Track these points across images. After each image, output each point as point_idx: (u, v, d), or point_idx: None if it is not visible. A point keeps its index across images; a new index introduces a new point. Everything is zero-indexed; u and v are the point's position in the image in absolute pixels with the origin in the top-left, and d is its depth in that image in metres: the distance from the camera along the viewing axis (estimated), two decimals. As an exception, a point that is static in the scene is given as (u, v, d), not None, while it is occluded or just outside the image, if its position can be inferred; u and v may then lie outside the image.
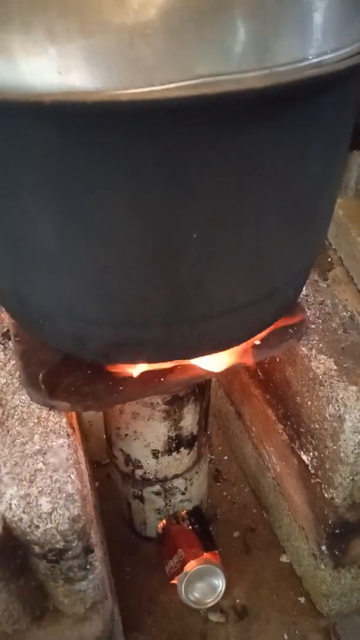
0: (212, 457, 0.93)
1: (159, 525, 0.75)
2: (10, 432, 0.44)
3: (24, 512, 0.39)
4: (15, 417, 0.45)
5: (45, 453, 0.42)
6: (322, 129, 0.33)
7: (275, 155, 0.31)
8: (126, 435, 0.64)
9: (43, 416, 0.45)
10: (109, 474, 0.82)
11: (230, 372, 0.82)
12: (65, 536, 0.39)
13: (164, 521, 0.75)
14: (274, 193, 0.32)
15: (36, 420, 0.45)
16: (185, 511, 0.75)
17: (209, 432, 0.96)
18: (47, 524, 0.39)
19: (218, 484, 0.89)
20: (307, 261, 0.42)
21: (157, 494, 0.71)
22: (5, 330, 0.55)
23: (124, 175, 0.29)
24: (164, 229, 0.31)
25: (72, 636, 0.50)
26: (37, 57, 0.26)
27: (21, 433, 0.44)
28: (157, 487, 0.70)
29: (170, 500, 0.73)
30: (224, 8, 0.25)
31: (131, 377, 0.46)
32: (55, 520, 0.39)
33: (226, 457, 0.93)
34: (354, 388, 0.46)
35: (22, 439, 0.43)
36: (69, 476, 0.41)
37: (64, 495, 0.40)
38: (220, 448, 0.95)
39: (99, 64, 0.26)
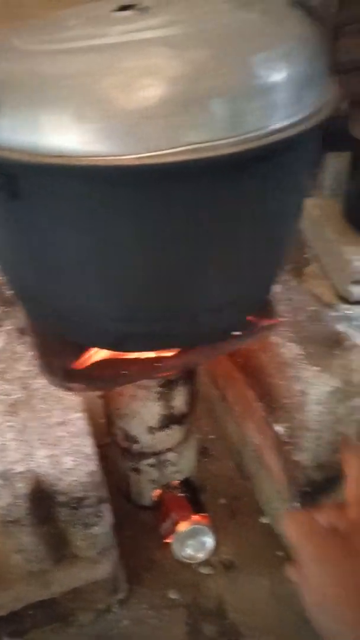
0: (200, 436, 1.04)
1: (154, 494, 0.86)
2: (35, 408, 0.54)
3: (52, 468, 0.49)
4: (38, 397, 0.56)
5: (65, 424, 0.53)
6: (285, 176, 0.43)
7: (246, 197, 0.42)
8: (125, 414, 0.74)
9: (60, 396, 0.56)
10: (106, 454, 0.93)
11: (215, 360, 0.93)
12: (84, 486, 0.50)
13: (159, 490, 0.86)
14: (245, 225, 0.43)
15: (55, 400, 0.55)
16: (177, 481, 0.86)
17: (197, 414, 1.08)
18: (70, 477, 0.49)
19: (206, 459, 1.00)
20: (274, 271, 0.53)
21: (152, 465, 0.82)
22: (21, 327, 0.65)
23: (133, 217, 0.39)
24: (163, 254, 0.42)
25: (86, 576, 0.61)
26: (71, 132, 0.36)
27: (44, 409, 0.54)
28: (151, 460, 0.81)
29: (163, 472, 0.83)
30: (200, 99, 0.36)
31: (132, 363, 0.57)
32: (77, 474, 0.49)
33: (213, 436, 1.04)
34: (315, 368, 0.57)
35: (45, 414, 0.54)
36: (86, 441, 0.51)
37: (82, 455, 0.50)
38: (207, 428, 1.06)
39: (113, 138, 0.36)
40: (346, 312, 1.41)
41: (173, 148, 0.36)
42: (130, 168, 0.36)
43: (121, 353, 0.57)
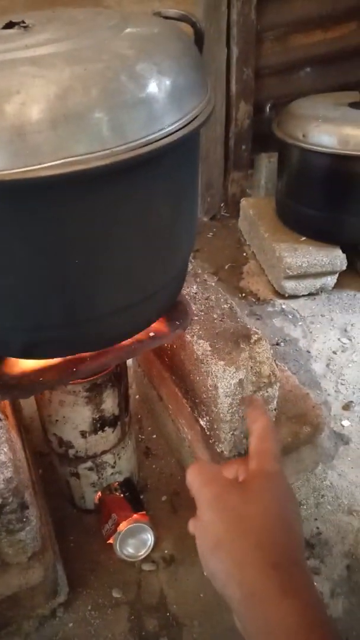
0: (143, 437, 1.06)
1: (95, 497, 0.88)
2: None
3: (-33, 478, 0.50)
4: None
5: (-18, 433, 0.54)
6: (164, 183, 0.46)
7: (130, 204, 0.44)
8: (57, 420, 0.76)
9: (-21, 406, 0.57)
10: (52, 462, 0.94)
11: (148, 360, 0.96)
12: (1, 494, 0.51)
13: (100, 493, 0.87)
14: (134, 229, 0.46)
15: (-27, 410, 0.56)
16: (116, 482, 0.88)
17: (139, 416, 1.10)
18: (-14, 485, 0.50)
19: (148, 459, 1.03)
20: (174, 274, 0.56)
21: (90, 469, 0.83)
22: None
23: (20, 230, 0.41)
24: (55, 260, 0.44)
25: (20, 582, 0.62)
26: None
27: None
28: (89, 464, 0.82)
29: (102, 474, 0.85)
30: (66, 116, 0.38)
31: (49, 370, 0.58)
32: (-7, 482, 0.51)
33: (154, 436, 1.06)
34: (222, 363, 0.60)
35: None
36: (2, 449, 0.53)
37: (-2, 463, 0.52)
38: (149, 429, 1.08)
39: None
40: (282, 306, 1.48)
41: (49, 162, 0.39)
42: (4, 183, 0.37)
43: (38, 361, 0.59)
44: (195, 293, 0.74)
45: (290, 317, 1.38)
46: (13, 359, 0.59)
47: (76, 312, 0.50)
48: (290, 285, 1.41)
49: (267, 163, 1.78)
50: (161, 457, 1.03)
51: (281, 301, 1.43)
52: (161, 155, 0.43)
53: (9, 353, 0.56)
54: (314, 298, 1.43)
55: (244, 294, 1.47)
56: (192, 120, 0.46)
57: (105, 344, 0.57)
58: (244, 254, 1.66)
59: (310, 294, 1.43)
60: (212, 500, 0.42)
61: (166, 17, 0.56)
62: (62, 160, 0.39)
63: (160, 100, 0.43)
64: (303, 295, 1.43)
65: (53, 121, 0.38)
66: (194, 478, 0.44)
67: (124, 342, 0.61)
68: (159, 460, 1.02)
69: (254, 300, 1.45)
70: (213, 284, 0.79)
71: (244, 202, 1.70)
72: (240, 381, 0.60)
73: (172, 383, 0.82)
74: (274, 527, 0.40)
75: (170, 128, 0.44)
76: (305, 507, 0.90)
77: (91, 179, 0.41)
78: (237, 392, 0.61)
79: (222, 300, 0.74)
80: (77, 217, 0.43)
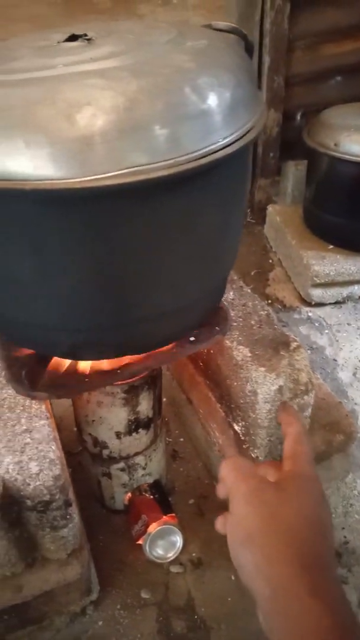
0: (170, 439, 1.07)
1: (125, 497, 0.89)
2: (2, 417, 0.57)
3: (18, 474, 0.52)
4: (5, 406, 0.58)
5: (31, 431, 0.55)
6: (218, 193, 0.48)
7: (183, 214, 0.46)
8: (93, 421, 0.77)
9: (27, 404, 0.58)
10: (80, 461, 0.95)
11: (180, 364, 0.97)
12: (50, 490, 0.52)
13: (129, 493, 0.89)
14: (185, 238, 0.47)
15: (22, 408, 0.58)
16: (146, 484, 0.89)
17: (166, 419, 1.11)
18: (36, 481, 0.52)
19: (176, 462, 1.04)
20: (218, 281, 0.57)
21: (122, 470, 0.85)
22: (-12, 340, 0.67)
23: (79, 235, 0.43)
24: (108, 265, 0.46)
25: (57, 578, 0.63)
26: (20, 158, 0.40)
27: (11, 418, 0.57)
28: (121, 464, 0.84)
29: (133, 475, 0.86)
30: (134, 127, 0.40)
31: (94, 370, 0.60)
32: (42, 479, 0.52)
33: (182, 439, 1.07)
34: (262, 369, 0.61)
35: (12, 422, 0.56)
36: (51, 447, 0.54)
37: (47, 460, 0.53)
38: (176, 432, 1.09)
39: (58, 163, 0.40)
40: (308, 314, 1.48)
41: (115, 171, 0.40)
42: (74, 191, 0.39)
43: (83, 362, 0.60)
44: (233, 299, 0.75)
45: (316, 325, 1.38)
46: (59, 359, 0.61)
47: (123, 316, 0.51)
48: (317, 293, 1.41)
49: (294, 170, 1.78)
50: (188, 460, 1.03)
51: (307, 309, 1.43)
52: (218, 166, 0.45)
53: (56, 353, 0.58)
54: (341, 306, 1.43)
55: (270, 301, 1.48)
56: (247, 132, 0.47)
57: (148, 347, 0.58)
58: (270, 261, 1.67)
59: (336, 302, 1.43)
60: (248, 494, 0.42)
61: (216, 29, 0.57)
62: (126, 170, 0.40)
63: (219, 112, 0.44)
64: (329, 304, 1.43)
65: (120, 132, 0.40)
66: (228, 472, 0.45)
67: (165, 346, 0.62)
68: (186, 464, 1.03)
69: (280, 307, 1.46)
70: (249, 290, 0.80)
71: (270, 209, 1.70)
72: (280, 388, 0.61)
73: (205, 387, 0.83)
74: (306, 530, 0.41)
75: (227, 140, 0.45)
76: (334, 515, 0.90)
77: (151, 189, 0.42)
78: (276, 399, 0.62)
79: (259, 306, 0.75)
80: (133, 225, 0.45)
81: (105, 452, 0.81)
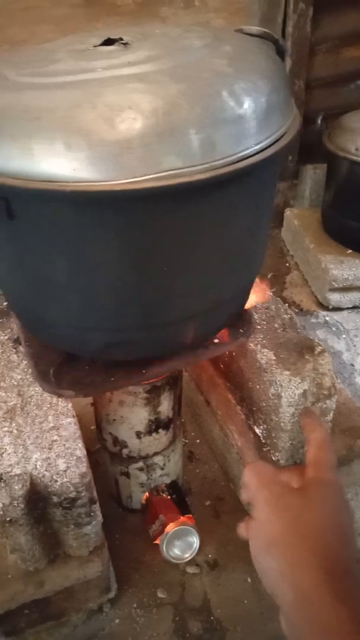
0: (186, 440, 1.07)
1: (143, 497, 0.90)
2: (30, 414, 0.57)
3: (46, 470, 0.52)
4: (32, 403, 0.59)
5: (58, 429, 0.56)
6: (250, 197, 0.48)
7: (216, 218, 0.46)
8: (114, 420, 0.78)
9: (54, 402, 0.59)
10: (97, 460, 0.96)
11: (198, 366, 0.97)
12: (76, 487, 0.53)
13: (147, 493, 0.89)
14: (217, 241, 0.48)
15: (49, 405, 0.59)
16: (164, 484, 0.89)
17: (183, 420, 1.11)
18: (63, 478, 0.53)
19: (192, 463, 1.04)
20: (245, 285, 0.58)
21: (141, 469, 0.85)
22: (15, 337, 0.68)
23: (116, 237, 0.43)
24: (142, 267, 0.46)
25: (78, 575, 0.64)
26: (60, 160, 0.40)
27: (39, 415, 0.57)
28: (140, 464, 0.84)
29: (151, 475, 0.87)
30: (173, 130, 0.40)
31: (120, 370, 0.60)
32: (69, 476, 0.53)
33: (198, 441, 1.08)
34: (287, 372, 0.61)
35: (40, 419, 0.57)
36: (77, 444, 0.55)
37: (74, 457, 0.54)
38: (193, 433, 1.09)
39: (98, 165, 0.40)
40: (325, 318, 1.48)
41: (152, 174, 0.41)
42: (113, 193, 0.40)
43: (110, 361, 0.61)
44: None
45: (333, 329, 1.38)
46: (86, 359, 0.61)
47: (155, 317, 0.52)
48: (334, 298, 1.41)
49: (312, 174, 1.78)
50: (204, 462, 1.04)
51: (324, 313, 1.43)
52: (252, 171, 0.45)
53: (86, 352, 0.58)
54: (358, 311, 1.42)
55: (286, 305, 1.47)
56: (280, 137, 0.48)
57: (175, 348, 0.59)
58: (287, 264, 1.67)
59: (354, 307, 1.42)
60: (272, 500, 0.43)
61: (248, 34, 0.58)
62: (164, 173, 0.41)
63: (254, 117, 0.45)
64: (347, 308, 1.42)
65: (159, 135, 0.40)
66: (251, 477, 0.45)
67: (191, 348, 0.62)
68: (203, 465, 1.03)
69: (296, 311, 1.45)
70: (271, 293, 0.81)
71: (288, 212, 1.70)
72: (305, 392, 0.61)
73: (225, 389, 0.83)
74: (329, 536, 0.41)
75: (261, 145, 0.45)
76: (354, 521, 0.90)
77: (188, 192, 0.43)
78: (300, 403, 0.62)
79: (281, 310, 0.75)
80: (167, 227, 0.45)
81: (125, 452, 0.82)
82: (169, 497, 0.88)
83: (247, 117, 0.44)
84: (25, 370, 0.63)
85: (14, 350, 0.66)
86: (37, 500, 0.54)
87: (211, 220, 0.46)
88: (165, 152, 0.41)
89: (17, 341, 0.67)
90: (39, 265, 0.47)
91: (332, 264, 1.39)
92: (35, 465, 0.52)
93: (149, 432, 0.79)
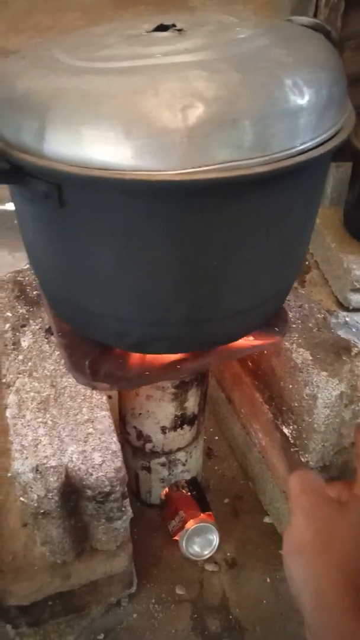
0: (205, 437, 1.07)
1: (162, 492, 0.89)
2: (64, 406, 0.57)
3: (82, 463, 0.52)
4: (66, 395, 0.58)
5: (93, 421, 0.55)
6: (304, 192, 0.47)
7: (271, 212, 0.45)
8: (140, 414, 0.77)
9: (87, 394, 0.58)
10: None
11: (224, 363, 0.96)
12: (111, 482, 0.52)
13: (167, 488, 0.88)
14: (269, 236, 0.46)
15: (82, 397, 0.58)
16: (184, 480, 0.89)
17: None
18: (98, 472, 0.52)
19: (211, 460, 1.03)
20: (288, 282, 0.56)
21: (163, 465, 0.85)
22: (47, 327, 0.68)
23: (168, 228, 0.42)
24: (192, 260, 0.45)
25: (105, 569, 0.63)
26: (118, 147, 0.39)
27: (73, 407, 0.57)
28: (163, 459, 0.84)
29: (173, 471, 0.86)
30: (235, 120, 0.39)
31: (155, 364, 0.60)
32: (105, 470, 0.52)
33: (217, 438, 1.07)
34: (324, 373, 0.60)
35: (74, 411, 0.56)
36: (112, 438, 0.54)
37: (110, 451, 0.53)
38: (211, 430, 1.08)
39: (157, 154, 0.39)
40: (345, 318, 1.46)
41: (211, 165, 0.39)
42: (175, 183, 0.38)
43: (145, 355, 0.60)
44: (289, 300, 0.74)
45: (354, 330, 1.37)
46: (121, 352, 0.60)
47: (200, 312, 0.51)
48: (355, 298, 1.39)
49: (334, 172, 1.75)
50: (223, 459, 1.03)
51: (345, 313, 1.41)
52: (309, 165, 0.44)
53: (123, 345, 0.57)
54: (379, 313, 1.41)
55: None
56: (337, 133, 0.46)
57: (213, 344, 0.58)
58: (307, 262, 1.65)
59: (375, 309, 1.41)
60: (308, 508, 0.42)
61: (298, 24, 0.56)
62: (222, 165, 0.40)
63: (315, 110, 0.43)
64: (367, 309, 1.41)
65: (221, 125, 0.39)
66: (295, 484, 0.45)
67: (227, 345, 0.61)
68: (221, 463, 1.02)
69: (316, 310, 1.44)
70: (303, 292, 0.79)
71: (309, 210, 1.68)
72: (342, 393, 0.60)
73: (252, 387, 0.82)
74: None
75: (318, 139, 0.44)
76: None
77: (246, 184, 0.42)
78: (336, 404, 0.61)
79: (315, 309, 0.74)
80: (222, 221, 0.44)
81: (149, 446, 0.81)
82: (189, 493, 0.87)
83: (308, 109, 0.43)
84: (58, 360, 0.62)
85: (46, 340, 0.65)
86: (71, 492, 0.53)
87: (266, 215, 0.45)
88: (224, 143, 0.40)
89: (48, 331, 0.67)
90: (86, 254, 0.46)
91: (354, 264, 1.37)
92: (71, 457, 0.52)
93: (174, 427, 0.78)
